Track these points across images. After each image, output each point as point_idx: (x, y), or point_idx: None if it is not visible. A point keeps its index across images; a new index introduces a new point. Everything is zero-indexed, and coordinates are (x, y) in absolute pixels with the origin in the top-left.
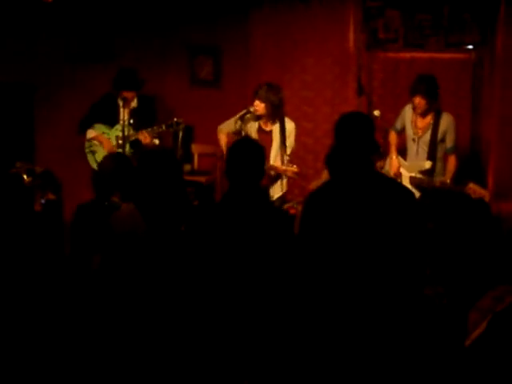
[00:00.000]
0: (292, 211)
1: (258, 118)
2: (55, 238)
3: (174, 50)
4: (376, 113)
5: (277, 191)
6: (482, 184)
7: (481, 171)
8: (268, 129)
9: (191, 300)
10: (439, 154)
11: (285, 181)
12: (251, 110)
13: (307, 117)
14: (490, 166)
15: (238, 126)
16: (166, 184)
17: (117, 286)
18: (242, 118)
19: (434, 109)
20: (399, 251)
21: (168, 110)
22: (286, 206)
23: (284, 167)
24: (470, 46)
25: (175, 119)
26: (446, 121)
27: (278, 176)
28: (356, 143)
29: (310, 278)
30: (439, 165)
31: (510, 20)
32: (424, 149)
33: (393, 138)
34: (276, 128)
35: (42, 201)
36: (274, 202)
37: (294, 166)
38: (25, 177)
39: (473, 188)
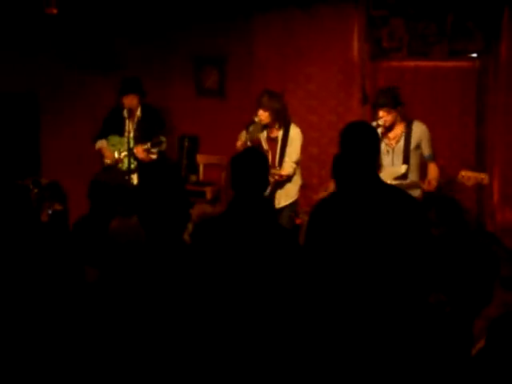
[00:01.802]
0: (298, 221)
1: (264, 126)
2: (62, 248)
3: (179, 60)
4: (380, 122)
5: (283, 199)
6: (489, 190)
7: None
8: (274, 136)
9: (195, 310)
10: (413, 161)
11: (293, 188)
12: (256, 119)
13: (312, 126)
14: (495, 173)
15: (243, 137)
16: (169, 197)
17: (117, 297)
18: (247, 128)
19: (403, 118)
20: (405, 260)
21: (174, 121)
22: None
23: (272, 170)
24: (474, 54)
25: (160, 138)
26: (419, 129)
27: (280, 182)
28: (361, 153)
29: (315, 288)
30: (415, 175)
31: None
32: (399, 157)
33: None
34: (281, 134)
35: (49, 211)
36: (280, 209)
37: (277, 168)
38: (32, 188)
39: (466, 175)
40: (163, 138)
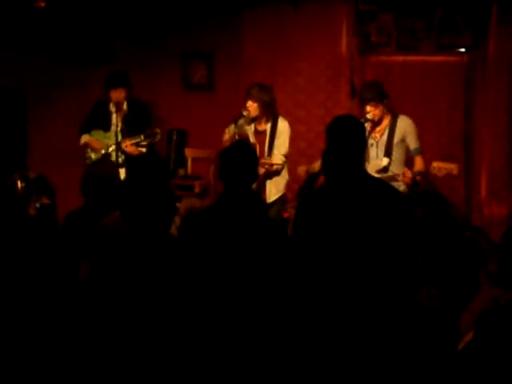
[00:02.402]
0: (285, 215)
1: (252, 120)
2: (50, 242)
3: (167, 55)
4: (369, 116)
5: (273, 193)
6: (477, 185)
7: (474, 172)
8: (262, 129)
9: (184, 304)
10: (395, 155)
11: (282, 181)
12: (244, 113)
13: (300, 120)
14: (483, 167)
15: (231, 130)
16: (154, 191)
17: (108, 292)
18: (235, 122)
19: (389, 112)
20: (391, 253)
21: (162, 116)
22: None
23: (262, 160)
24: (463, 49)
25: (155, 129)
26: (404, 123)
27: (269, 175)
28: (347, 146)
29: (303, 281)
30: (399, 169)
31: (501, 23)
32: (382, 150)
33: None
34: (269, 127)
35: (37, 205)
36: (271, 204)
37: (267, 158)
38: (18, 182)
39: (437, 166)
40: (157, 130)
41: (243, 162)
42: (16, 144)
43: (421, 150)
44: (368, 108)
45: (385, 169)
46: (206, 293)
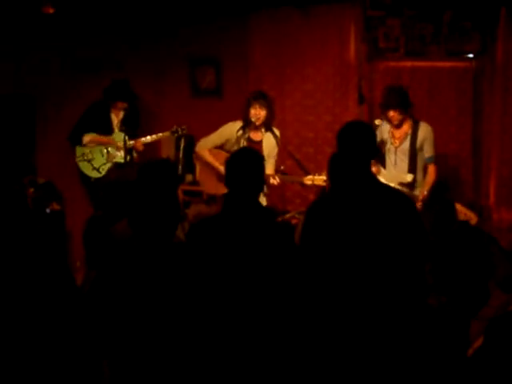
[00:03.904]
0: (294, 221)
1: (255, 128)
2: (59, 248)
3: (174, 61)
4: (377, 122)
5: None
6: (485, 190)
7: (483, 178)
8: (258, 139)
9: (191, 310)
10: (419, 163)
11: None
12: (253, 119)
13: (308, 126)
14: (492, 173)
15: (239, 135)
16: (165, 195)
17: (114, 297)
18: (243, 129)
19: (410, 117)
20: (401, 260)
21: (170, 121)
22: (287, 216)
23: (311, 176)
24: (471, 55)
25: (178, 126)
26: (424, 130)
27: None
28: (359, 152)
29: (311, 287)
30: (419, 175)
31: (510, 28)
32: (402, 158)
33: None
34: (267, 137)
35: (47, 210)
36: None
37: (323, 174)
38: (28, 187)
39: (459, 209)
40: (183, 126)
41: (250, 168)
42: (25, 149)
43: (435, 159)
44: (391, 113)
45: (410, 185)
46: (213, 298)
